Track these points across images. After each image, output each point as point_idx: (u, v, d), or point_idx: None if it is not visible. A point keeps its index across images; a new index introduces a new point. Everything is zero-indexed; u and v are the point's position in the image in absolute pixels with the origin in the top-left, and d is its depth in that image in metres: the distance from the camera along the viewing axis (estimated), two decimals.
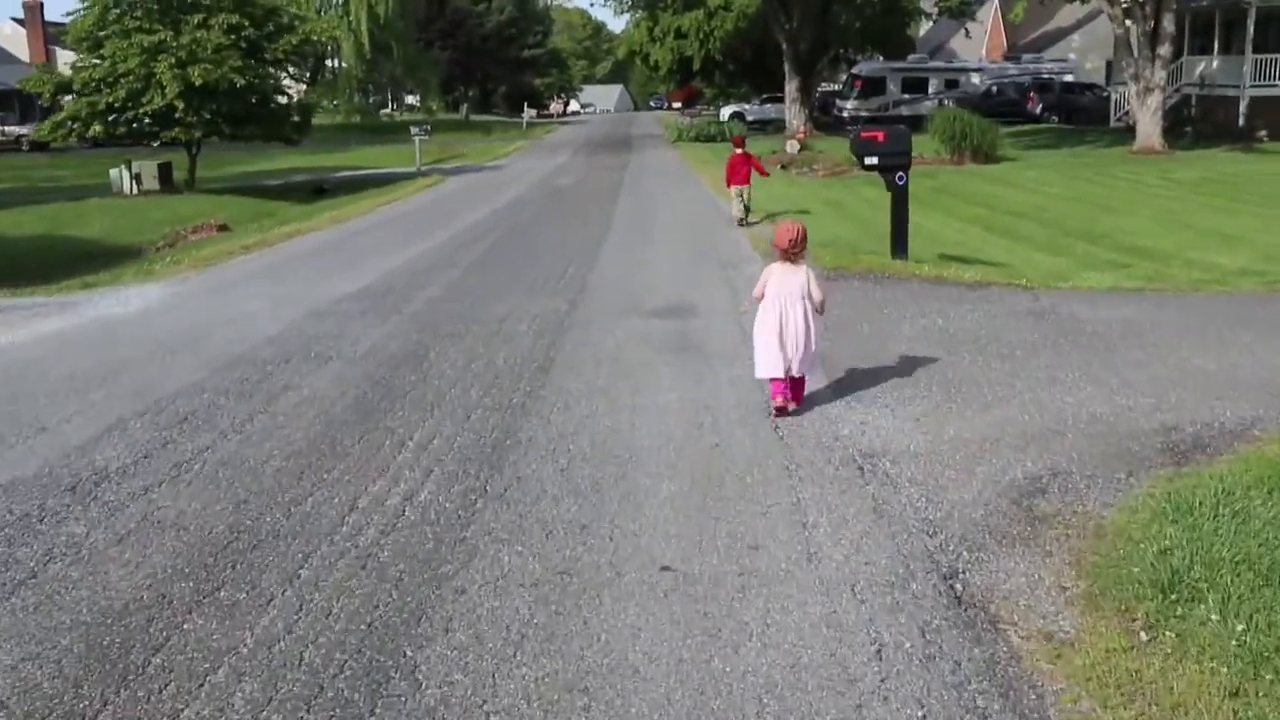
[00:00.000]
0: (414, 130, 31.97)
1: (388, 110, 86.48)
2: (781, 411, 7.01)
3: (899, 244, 12.70)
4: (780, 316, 6.97)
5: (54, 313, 11.25)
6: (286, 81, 69.59)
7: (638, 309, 10.60)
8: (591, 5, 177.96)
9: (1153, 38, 32.70)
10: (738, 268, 12.80)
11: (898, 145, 12.35)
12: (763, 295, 7.12)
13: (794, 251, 7.15)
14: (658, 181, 27.79)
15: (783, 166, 35.39)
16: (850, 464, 6.16)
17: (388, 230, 18.21)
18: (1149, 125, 33.52)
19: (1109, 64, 61.75)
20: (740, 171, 17.08)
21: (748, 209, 17.14)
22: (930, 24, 76.31)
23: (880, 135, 12.32)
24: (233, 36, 27.31)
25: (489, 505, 5.50)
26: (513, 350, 8.90)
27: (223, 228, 22.36)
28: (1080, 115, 48.97)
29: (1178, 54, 35.35)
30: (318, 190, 31.25)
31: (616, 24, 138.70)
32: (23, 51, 60.47)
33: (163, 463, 6.11)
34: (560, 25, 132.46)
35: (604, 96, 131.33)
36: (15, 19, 66.19)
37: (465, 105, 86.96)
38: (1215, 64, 39.91)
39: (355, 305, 11.07)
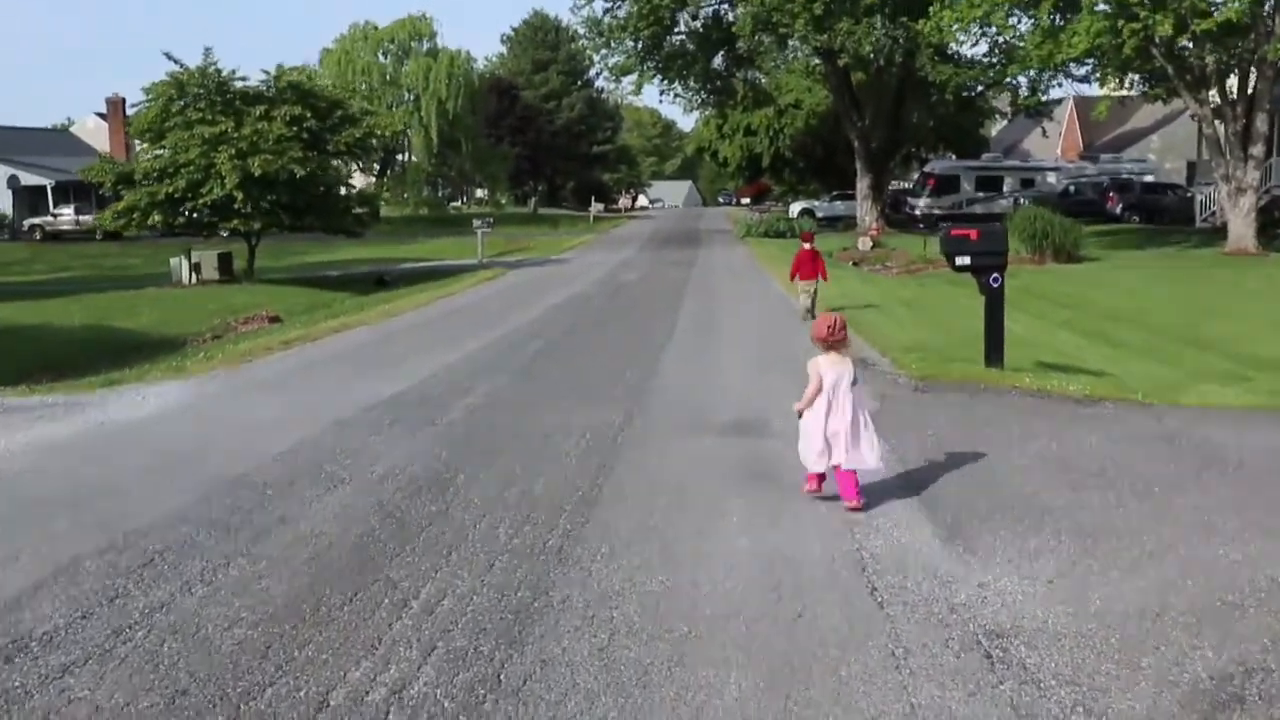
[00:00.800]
0: (477, 223, 31.36)
1: (456, 203, 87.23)
2: (816, 493, 6.92)
3: (994, 351, 11.32)
4: (828, 408, 6.78)
5: (60, 415, 10.22)
6: (355, 175, 70.74)
7: (703, 425, 9.31)
8: (661, 101, 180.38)
9: (1244, 137, 31.24)
10: None
11: (992, 244, 11.06)
12: (819, 389, 6.82)
13: (834, 340, 6.93)
14: (726, 279, 26.69)
15: (855, 264, 34.23)
16: (974, 648, 4.75)
17: (439, 327, 17.22)
18: (1241, 226, 31.87)
19: (1189, 165, 60.24)
20: (807, 267, 17.06)
21: (813, 305, 16.84)
22: (1005, 123, 75.36)
23: (973, 233, 11.03)
24: (294, 128, 26.96)
25: (500, 706, 4.17)
26: (555, 474, 7.62)
27: (274, 319, 21.57)
28: (1162, 216, 47.42)
29: (1269, 153, 33.75)
30: (379, 282, 30.63)
31: (686, 122, 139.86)
32: (104, 145, 61.75)
33: (100, 628, 4.87)
34: (630, 123, 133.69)
35: (672, 192, 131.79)
36: (99, 113, 67.80)
37: (534, 199, 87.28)
38: None
39: (385, 414, 9.90)
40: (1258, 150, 31.13)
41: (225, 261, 28.80)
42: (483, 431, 9.18)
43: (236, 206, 26.21)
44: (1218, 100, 31.64)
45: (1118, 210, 48.91)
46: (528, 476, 7.56)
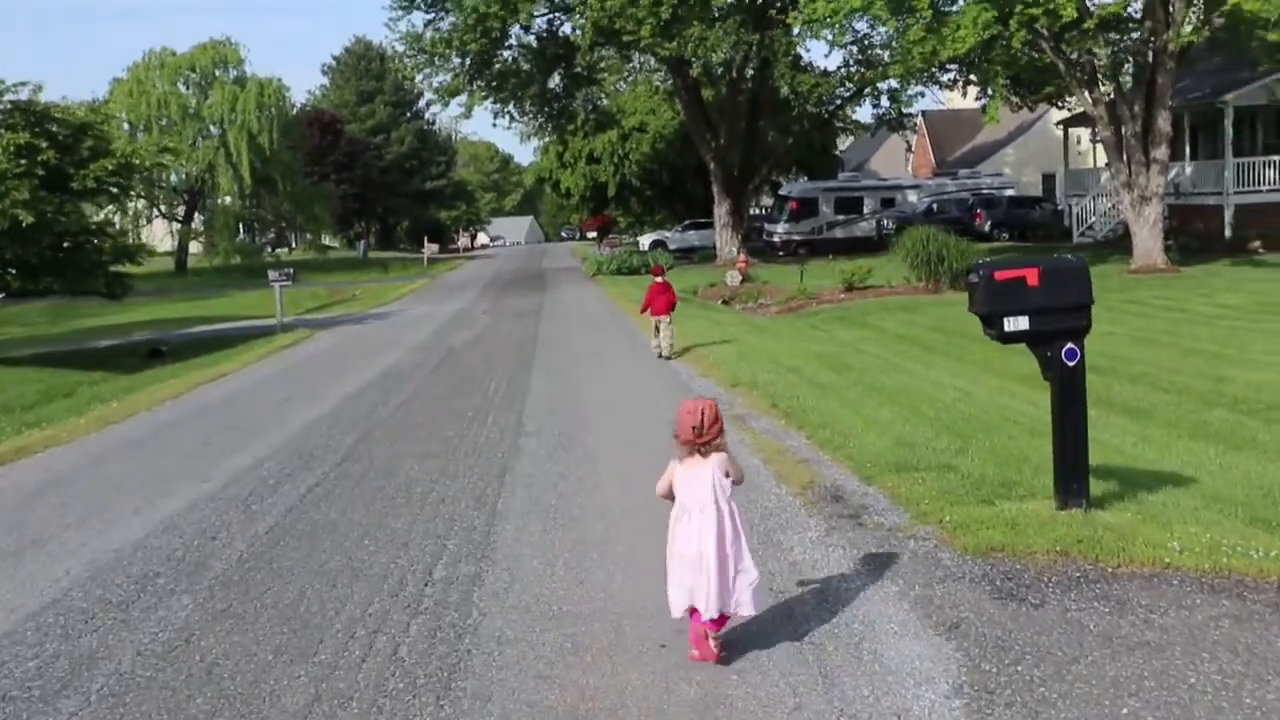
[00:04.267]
0: (273, 276, 25.64)
1: (281, 249, 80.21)
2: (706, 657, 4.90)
3: (1075, 478, 6.68)
4: (689, 531, 4.93)
5: None
6: (156, 221, 63.40)
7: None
8: (494, 126, 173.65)
9: (1144, 139, 28.05)
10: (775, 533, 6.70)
11: (1068, 293, 6.47)
12: (664, 492, 5.18)
13: (701, 442, 4.92)
14: (583, 333, 21.77)
15: (725, 301, 29.87)
16: None
17: (158, 449, 11.37)
18: (1148, 239, 28.71)
19: (1045, 177, 58.46)
20: (660, 301, 16.46)
21: (668, 343, 16.48)
22: (850, 142, 72.66)
23: (1031, 275, 6.37)
24: (22, 162, 20.96)
25: None
26: None
27: None
28: (1032, 231, 44.84)
29: (1172, 156, 30.75)
30: (153, 353, 24.78)
31: (525, 156, 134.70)
32: None
33: None
34: (466, 158, 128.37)
35: (514, 229, 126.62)
36: None
37: (363, 241, 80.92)
38: (1189, 170, 35.74)
39: None
40: (1161, 153, 28.01)
41: None
42: None
43: None
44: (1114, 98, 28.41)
45: (986, 228, 46.12)
46: None
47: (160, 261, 67.93)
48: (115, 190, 24.88)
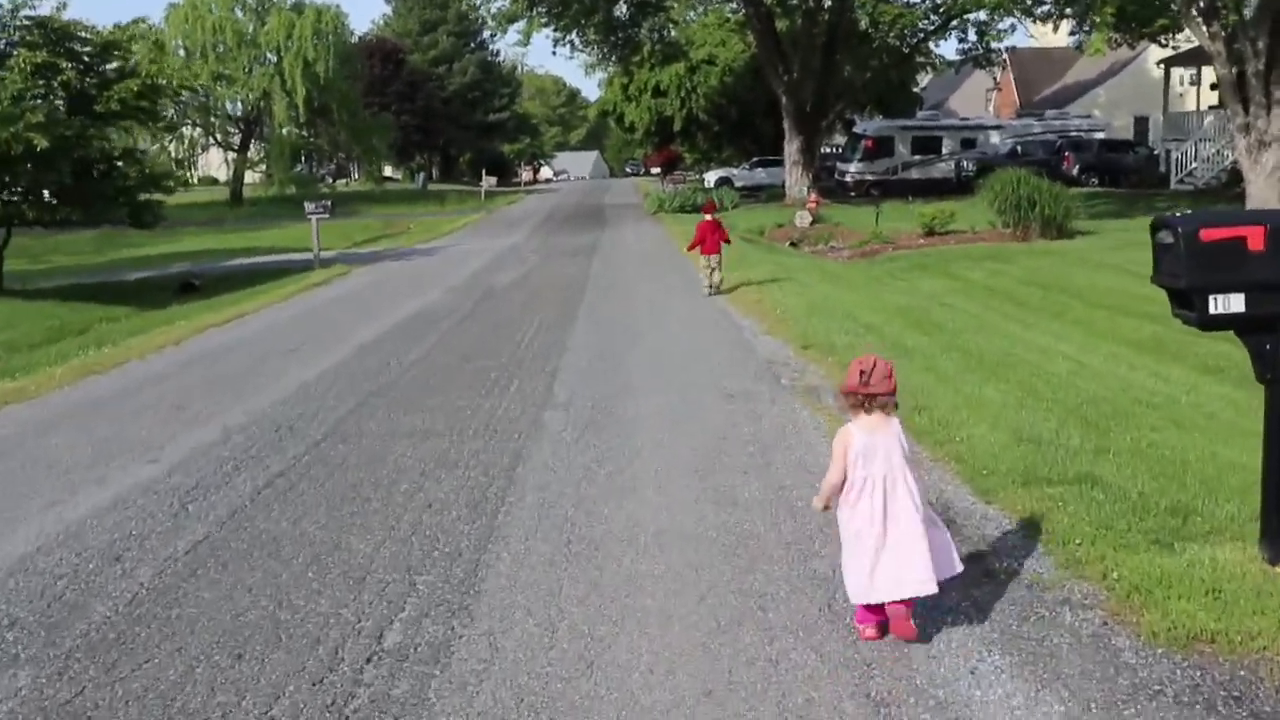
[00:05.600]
0: (309, 208, 23.95)
1: (343, 180, 78.95)
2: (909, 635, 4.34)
3: None
4: (883, 506, 4.29)
5: None
6: (214, 150, 62.31)
7: None
8: (554, 54, 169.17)
9: (1266, 80, 25.23)
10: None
11: None
12: (842, 481, 4.34)
13: (872, 394, 4.36)
14: (638, 273, 19.87)
15: (793, 244, 27.76)
16: None
17: (121, 414, 9.58)
18: (1264, 188, 25.91)
19: (1138, 120, 55.05)
20: (711, 240, 15.99)
21: (719, 282, 16.20)
22: (928, 79, 69.26)
23: (1256, 234, 4.37)
24: (41, 83, 19.38)
25: None
26: None
27: None
28: (1125, 177, 41.96)
29: None
30: (186, 286, 23.42)
31: (592, 90, 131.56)
32: None
33: None
34: (532, 91, 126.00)
35: (578, 163, 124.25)
36: None
37: (422, 173, 79.30)
38: None
39: None
40: None
41: None
42: None
43: None
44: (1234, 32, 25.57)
45: (1074, 172, 43.14)
46: None
47: (218, 191, 67.15)
48: (143, 114, 23.19)
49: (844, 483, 4.40)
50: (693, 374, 10.12)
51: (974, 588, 4.75)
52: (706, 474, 6.70)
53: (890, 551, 4.30)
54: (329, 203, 25.11)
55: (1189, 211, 4.96)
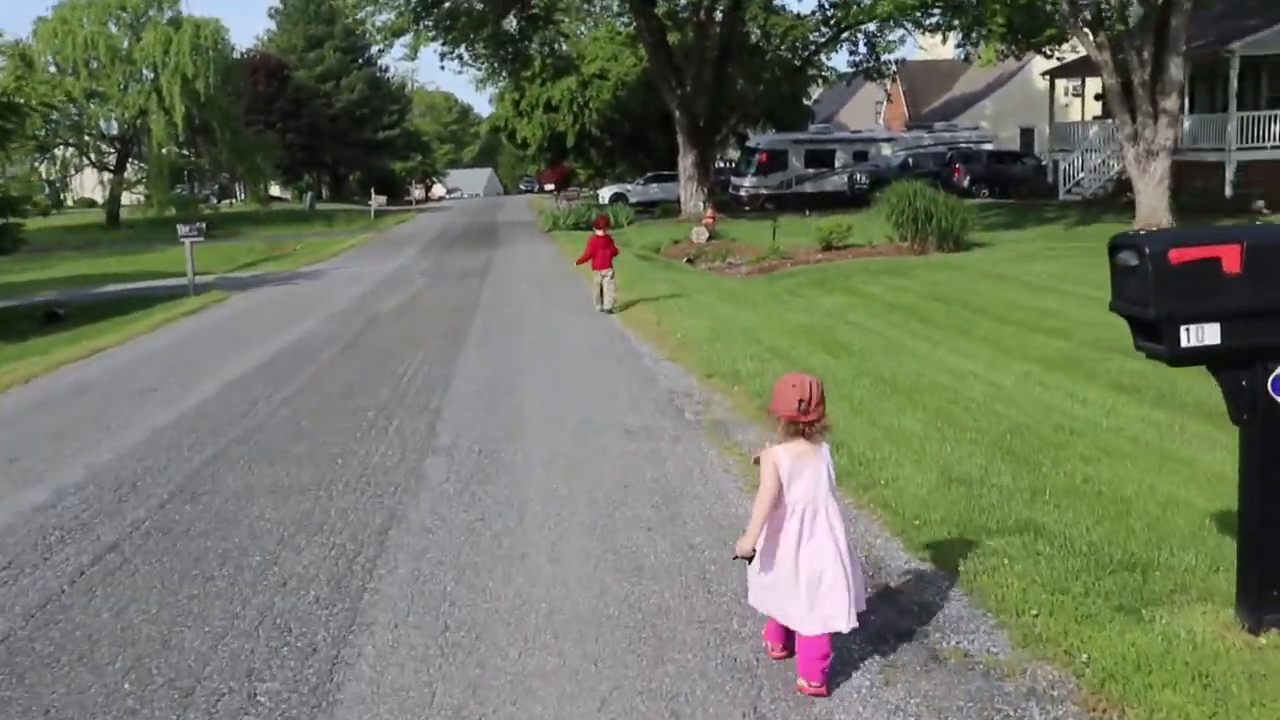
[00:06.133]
0: (182, 231, 22.61)
1: (226, 201, 76.45)
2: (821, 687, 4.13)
3: (1274, 582, 4.11)
4: (800, 531, 4.11)
5: None
6: (88, 171, 59.66)
7: None
8: (442, 68, 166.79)
9: (1153, 88, 25.51)
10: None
11: None
12: (775, 502, 4.12)
13: (807, 421, 4.13)
14: (531, 295, 19.04)
15: (690, 260, 27.25)
16: None
17: None
18: (1153, 198, 26.25)
19: (1023, 131, 56.02)
20: (602, 255, 15.95)
21: (611, 296, 16.00)
22: (819, 92, 69.72)
23: (1230, 254, 3.76)
24: None
25: None
26: None
27: None
28: (1014, 187, 42.48)
29: (1183, 107, 28.31)
30: (50, 316, 21.93)
31: (484, 107, 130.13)
32: None
33: None
34: (423, 108, 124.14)
35: (471, 181, 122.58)
36: None
37: (310, 193, 77.23)
38: (1187, 123, 33.30)
39: None
40: (1171, 103, 25.49)
41: None
42: None
43: None
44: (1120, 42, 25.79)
45: (965, 184, 43.56)
46: None
47: (95, 213, 64.30)
48: (2, 135, 21.60)
49: (777, 507, 4.16)
50: (589, 408, 9.34)
51: (923, 677, 4.06)
52: (606, 532, 5.93)
53: (804, 586, 4.09)
54: (203, 225, 23.75)
55: (1151, 229, 4.34)
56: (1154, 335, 3.99)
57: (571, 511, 6.36)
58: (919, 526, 5.59)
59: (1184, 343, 3.88)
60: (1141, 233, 4.11)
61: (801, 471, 4.13)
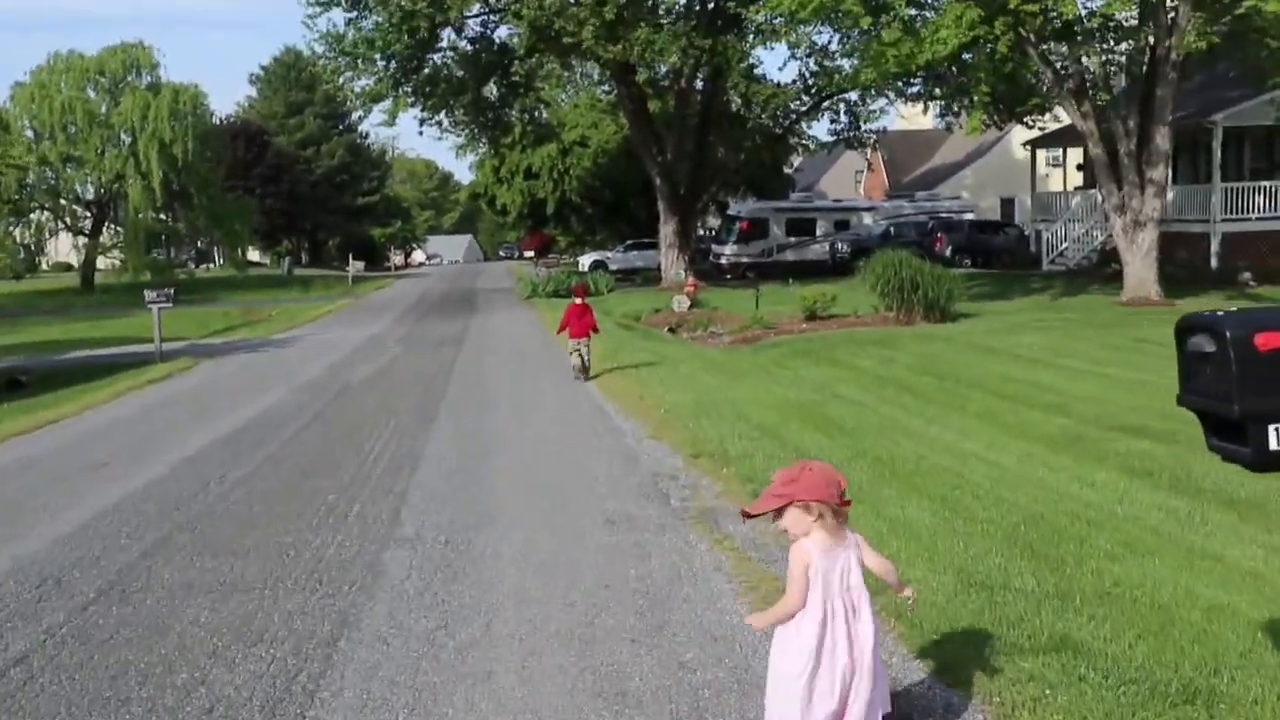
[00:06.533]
0: (149, 297, 22.00)
1: (204, 266, 75.95)
2: None
3: None
4: (824, 629, 3.76)
5: None
6: (63, 235, 59.07)
7: None
8: (420, 134, 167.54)
9: (1139, 158, 25.36)
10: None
11: None
12: (803, 597, 3.77)
13: (848, 506, 3.87)
14: (508, 365, 18.40)
15: (672, 330, 26.72)
16: None
17: None
18: (1141, 268, 26.02)
19: (1004, 201, 56.22)
20: (578, 324, 15.85)
21: (586, 365, 15.88)
22: (799, 161, 69.99)
23: None
24: None
25: None
26: None
27: None
28: (998, 257, 42.40)
29: (1171, 178, 28.16)
30: (12, 384, 21.15)
31: (464, 174, 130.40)
32: None
33: None
34: (403, 174, 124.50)
35: (451, 247, 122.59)
36: None
37: (288, 258, 76.77)
38: (1171, 195, 33.21)
39: None
40: (1158, 174, 25.35)
41: None
42: None
43: None
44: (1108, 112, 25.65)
45: (947, 253, 43.40)
46: None
47: (70, 278, 63.59)
48: None
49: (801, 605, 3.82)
50: (566, 492, 8.65)
51: None
52: (585, 645, 5.23)
53: (826, 679, 3.77)
54: (171, 291, 23.12)
55: (1231, 310, 3.73)
56: (1235, 435, 3.37)
57: (545, 618, 5.65)
58: (940, 643, 4.92)
59: (1273, 445, 3.25)
60: (1219, 313, 3.51)
61: (832, 570, 3.82)
